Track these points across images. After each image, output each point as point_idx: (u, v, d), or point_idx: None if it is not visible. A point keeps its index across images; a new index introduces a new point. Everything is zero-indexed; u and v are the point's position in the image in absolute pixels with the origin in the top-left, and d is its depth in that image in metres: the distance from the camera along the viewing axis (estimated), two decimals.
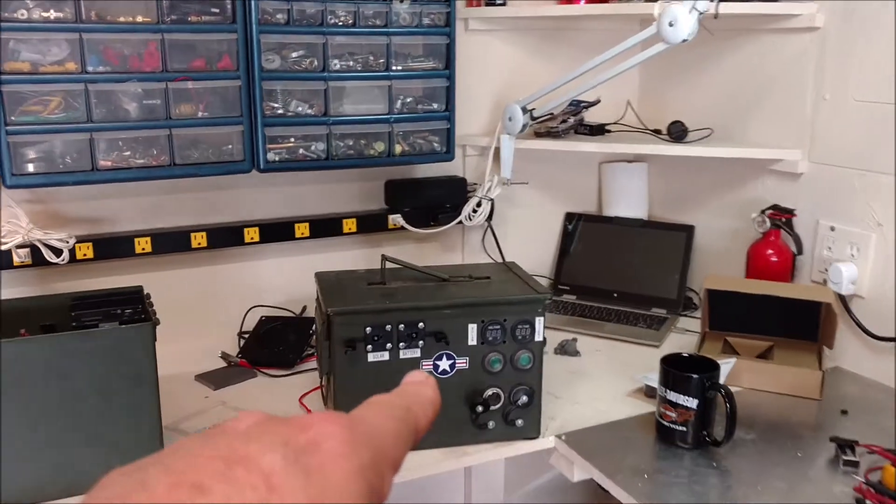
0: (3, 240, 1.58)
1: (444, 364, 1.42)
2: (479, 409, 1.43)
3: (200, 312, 1.91)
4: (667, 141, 2.07)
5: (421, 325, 1.39)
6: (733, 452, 1.46)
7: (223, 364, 1.78)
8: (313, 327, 1.85)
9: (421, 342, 1.40)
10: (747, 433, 1.53)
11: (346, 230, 2.00)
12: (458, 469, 1.49)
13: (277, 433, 0.31)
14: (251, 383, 1.73)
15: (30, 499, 1.23)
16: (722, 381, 1.51)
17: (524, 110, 1.98)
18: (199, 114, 1.65)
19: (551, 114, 2.03)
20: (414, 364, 1.41)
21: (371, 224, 2.04)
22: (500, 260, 2.20)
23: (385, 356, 1.39)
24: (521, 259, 2.26)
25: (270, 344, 1.83)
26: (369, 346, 1.38)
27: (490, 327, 1.43)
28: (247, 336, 1.89)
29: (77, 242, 1.70)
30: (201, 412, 1.58)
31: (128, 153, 1.62)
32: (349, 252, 2.06)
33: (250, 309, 1.93)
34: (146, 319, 1.34)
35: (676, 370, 1.48)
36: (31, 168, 1.54)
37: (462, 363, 1.43)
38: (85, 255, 1.73)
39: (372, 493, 0.31)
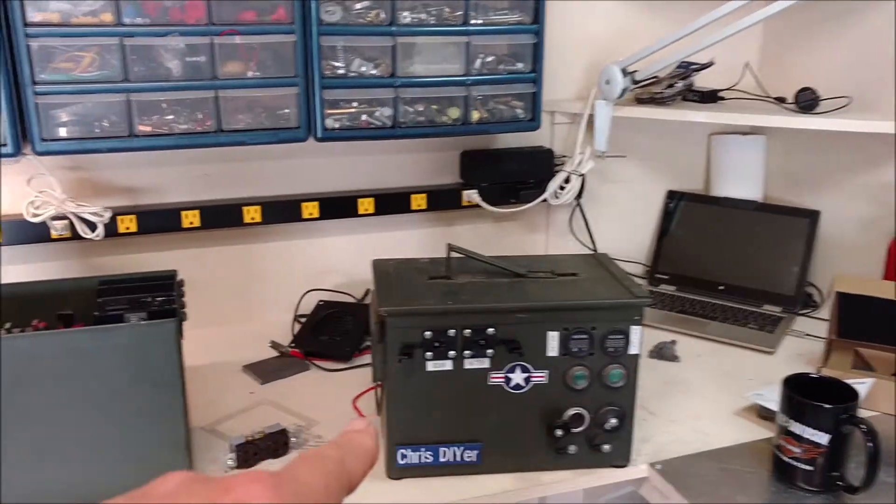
0: (35, 211, 1.44)
1: (518, 378, 1.20)
2: (559, 432, 1.20)
3: (251, 294, 1.73)
4: (792, 111, 1.75)
5: (491, 330, 1.17)
6: (873, 500, 1.19)
7: (274, 353, 1.60)
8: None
9: (490, 351, 1.17)
10: (887, 474, 1.25)
11: (414, 207, 1.78)
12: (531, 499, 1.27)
13: (199, 497, 0.31)
14: (302, 377, 1.54)
15: None
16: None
17: (624, 73, 1.70)
18: (249, 73, 1.46)
19: (656, 77, 1.75)
20: (481, 376, 1.18)
21: (443, 200, 1.81)
22: (589, 244, 1.95)
23: (447, 366, 1.18)
24: (614, 243, 2.01)
25: (327, 333, 1.64)
26: (428, 354, 1.16)
27: (575, 336, 1.19)
28: (303, 321, 1.70)
29: (119, 215, 1.54)
30: (244, 411, 1.41)
31: (170, 117, 1.44)
32: (417, 231, 1.85)
33: (307, 293, 1.74)
34: (174, 313, 1.16)
35: (803, 396, 1.20)
36: (62, 132, 1.38)
37: (539, 377, 1.20)
38: (128, 228, 1.57)
39: None
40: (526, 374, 1.19)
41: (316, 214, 1.70)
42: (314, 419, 1.38)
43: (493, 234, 1.91)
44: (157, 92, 1.40)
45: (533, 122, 1.67)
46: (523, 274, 1.27)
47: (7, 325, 1.13)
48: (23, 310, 1.21)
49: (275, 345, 1.61)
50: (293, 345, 1.62)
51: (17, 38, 1.30)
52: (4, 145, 1.34)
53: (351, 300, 1.77)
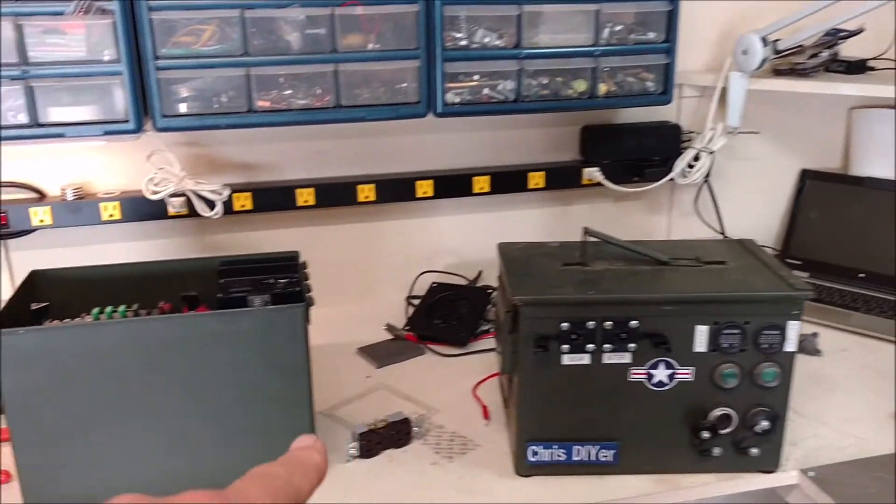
0: (155, 189, 1.42)
1: (661, 374, 1.11)
2: (706, 434, 1.11)
3: (364, 274, 1.69)
4: None
5: (634, 323, 1.08)
6: None
7: (388, 336, 1.55)
8: (491, 300, 1.59)
9: (632, 345, 1.09)
10: None
11: (531, 185, 1.69)
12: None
13: None
14: (418, 362, 1.49)
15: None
16: None
17: (764, 41, 1.56)
18: (370, 46, 1.39)
19: (800, 46, 1.60)
20: (621, 372, 1.10)
21: (561, 179, 1.72)
22: (716, 225, 1.82)
23: (584, 359, 1.10)
24: (741, 224, 1.87)
25: (441, 316, 1.58)
26: (565, 347, 1.09)
27: (725, 331, 1.09)
28: (416, 302, 1.65)
29: (234, 192, 1.51)
30: (361, 396, 1.37)
31: (288, 92, 1.39)
32: (533, 211, 1.76)
33: (421, 275, 1.68)
34: (299, 297, 1.11)
35: None
36: (182, 108, 1.35)
37: (685, 374, 1.11)
38: (243, 206, 1.54)
39: None
40: (670, 371, 1.10)
41: (430, 193, 1.64)
42: (433, 407, 1.33)
43: (612, 215, 1.80)
44: (276, 66, 1.36)
45: (664, 96, 1.55)
46: (666, 261, 1.17)
47: (135, 307, 1.11)
48: (147, 290, 1.19)
49: (390, 328, 1.56)
50: (407, 328, 1.56)
51: (139, 11, 1.27)
52: (126, 122, 1.32)
53: (464, 282, 1.71)
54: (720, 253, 1.22)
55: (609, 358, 1.10)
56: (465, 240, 1.73)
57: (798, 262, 1.85)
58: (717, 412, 1.12)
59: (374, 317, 1.61)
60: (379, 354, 1.48)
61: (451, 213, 1.72)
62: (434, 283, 1.67)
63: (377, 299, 1.68)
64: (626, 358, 1.10)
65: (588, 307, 1.08)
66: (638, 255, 1.18)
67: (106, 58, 1.29)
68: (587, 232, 1.18)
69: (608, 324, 1.08)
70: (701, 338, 1.09)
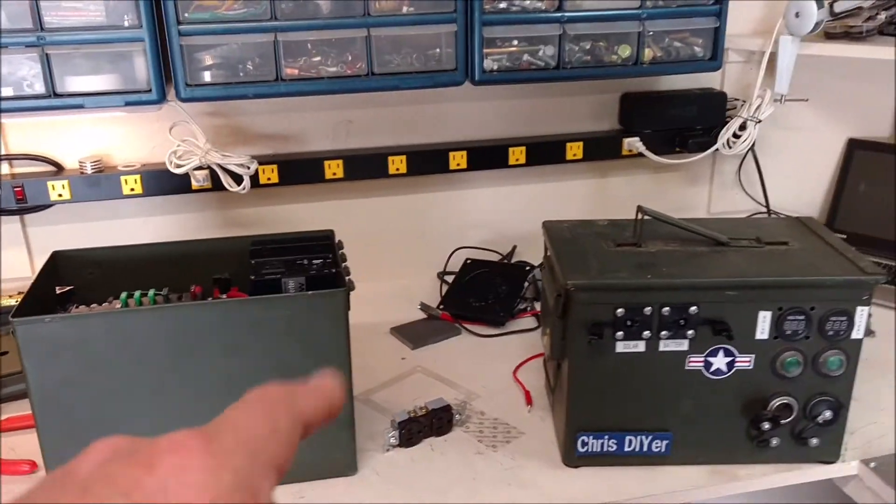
0: (178, 161, 1.35)
1: (720, 362, 1.04)
2: (766, 425, 1.05)
3: (397, 249, 1.62)
4: None
5: (693, 309, 1.01)
6: None
7: (422, 315, 1.49)
8: (530, 277, 1.53)
9: (691, 332, 1.02)
10: None
11: (569, 156, 1.61)
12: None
13: (119, 481, 0.27)
14: (455, 342, 1.43)
15: None
16: None
17: (819, 3, 1.47)
18: (404, 9, 1.31)
19: (859, 7, 1.51)
20: (678, 359, 1.04)
21: (599, 149, 1.64)
22: (760, 198, 1.75)
23: (640, 347, 1.03)
24: (785, 196, 1.79)
25: (477, 294, 1.52)
26: (619, 334, 1.02)
27: (790, 317, 1.02)
28: (450, 280, 1.59)
29: (260, 165, 1.44)
30: (398, 379, 1.32)
31: (318, 59, 1.31)
32: (571, 183, 1.69)
33: (455, 251, 1.62)
34: (338, 279, 1.05)
35: None
36: (207, 77, 1.28)
37: (744, 362, 1.04)
38: (269, 179, 1.48)
39: None
40: (729, 359, 1.04)
41: (463, 165, 1.56)
42: (473, 392, 1.28)
43: (650, 187, 1.73)
44: (305, 31, 1.28)
45: (713, 62, 1.47)
46: (725, 242, 1.10)
47: (165, 291, 1.05)
48: (175, 272, 1.13)
49: (424, 307, 1.50)
50: (442, 307, 1.50)
51: None
52: (148, 91, 1.25)
53: (497, 258, 1.64)
54: (782, 232, 1.15)
55: (666, 345, 1.04)
56: (500, 213, 1.66)
57: (844, 237, 1.76)
58: (778, 401, 1.06)
59: (406, 295, 1.55)
60: (413, 335, 1.43)
61: (485, 186, 1.65)
62: (468, 259, 1.60)
63: (409, 276, 1.62)
64: (683, 345, 1.03)
65: (645, 292, 1.01)
66: (695, 234, 1.11)
67: (126, 23, 1.22)
68: (641, 210, 1.11)
69: (666, 310, 1.01)
70: (764, 324, 1.03)
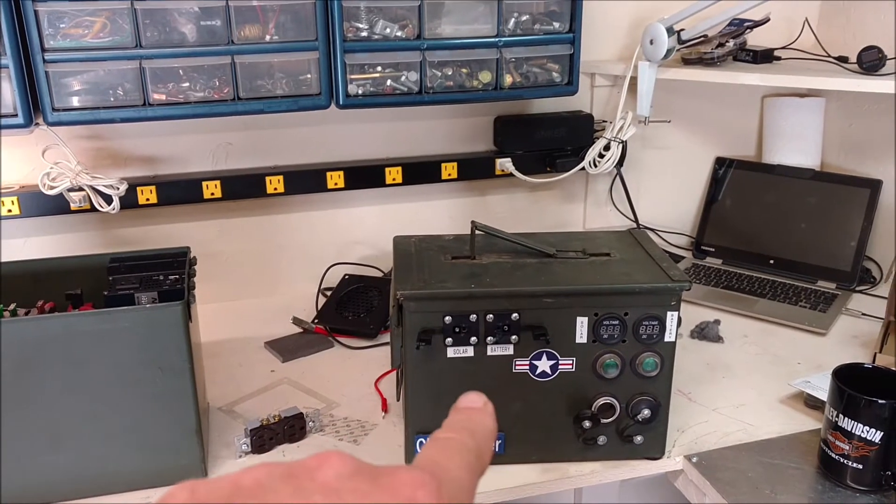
0: (51, 183, 1.40)
1: (544, 365, 1.12)
2: (587, 423, 1.13)
3: (275, 267, 1.68)
4: (855, 72, 1.61)
5: (515, 316, 1.09)
6: None
7: (298, 330, 1.55)
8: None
9: (514, 337, 1.10)
10: None
11: (444, 176, 1.69)
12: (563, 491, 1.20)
13: (363, 496, 0.29)
14: (325, 355, 1.49)
15: (38, 499, 1.06)
16: None
17: (670, 31, 1.58)
18: (268, 37, 1.38)
19: (705, 36, 1.62)
20: (505, 363, 1.11)
21: (475, 169, 1.73)
22: (630, 214, 1.84)
23: (468, 352, 1.11)
24: (657, 213, 1.90)
25: (351, 308, 1.58)
26: (449, 340, 1.10)
27: (605, 322, 1.10)
28: (328, 295, 1.65)
29: (139, 185, 1.50)
30: (264, 391, 1.37)
31: (185, 85, 1.37)
32: (448, 201, 1.77)
33: (331, 266, 1.68)
34: (183, 294, 1.11)
35: (855, 388, 1.11)
36: (75, 102, 1.33)
37: (566, 365, 1.12)
38: (148, 199, 1.53)
39: None
40: (553, 362, 1.12)
41: (341, 184, 1.63)
42: (334, 400, 1.34)
43: (528, 205, 1.82)
44: (171, 58, 1.34)
45: (570, 87, 1.56)
46: (552, 254, 1.18)
47: (12, 306, 1.10)
48: (30, 288, 1.18)
49: (297, 321, 1.56)
50: (316, 321, 1.56)
51: (24, 2, 1.24)
52: (15, 115, 1.29)
53: (378, 273, 1.71)
54: (608, 244, 1.24)
55: (493, 350, 1.11)
56: (379, 231, 1.73)
57: (712, 249, 1.89)
58: (600, 401, 1.14)
59: (284, 310, 1.61)
60: (286, 348, 1.48)
61: (366, 204, 1.72)
62: (346, 274, 1.67)
63: (288, 293, 1.68)
64: (509, 350, 1.11)
65: (470, 301, 1.09)
66: (525, 247, 1.19)
67: None
68: (475, 226, 1.19)
69: (490, 317, 1.09)
70: (582, 329, 1.11)
